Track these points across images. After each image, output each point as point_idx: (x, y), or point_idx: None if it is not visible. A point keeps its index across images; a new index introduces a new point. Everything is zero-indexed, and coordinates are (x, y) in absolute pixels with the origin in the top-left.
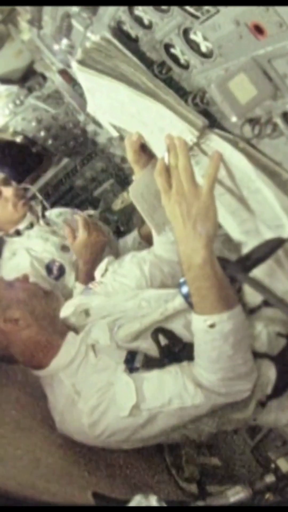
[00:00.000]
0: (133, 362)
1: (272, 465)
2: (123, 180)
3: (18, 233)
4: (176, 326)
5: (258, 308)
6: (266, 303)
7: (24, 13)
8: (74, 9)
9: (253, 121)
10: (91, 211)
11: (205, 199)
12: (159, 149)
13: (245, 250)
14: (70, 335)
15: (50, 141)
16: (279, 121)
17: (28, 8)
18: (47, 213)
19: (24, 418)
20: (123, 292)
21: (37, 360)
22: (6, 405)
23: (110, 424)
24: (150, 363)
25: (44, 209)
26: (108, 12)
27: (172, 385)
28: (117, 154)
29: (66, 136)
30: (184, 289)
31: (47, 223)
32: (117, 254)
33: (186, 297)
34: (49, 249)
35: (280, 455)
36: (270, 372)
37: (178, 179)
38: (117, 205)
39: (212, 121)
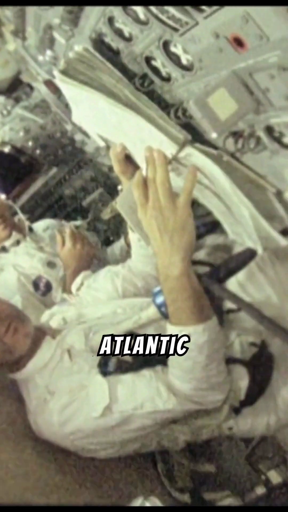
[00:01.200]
0: (106, 366)
1: (263, 477)
2: (112, 189)
3: (4, 249)
4: (149, 333)
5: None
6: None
7: (8, 23)
8: (56, 21)
9: (236, 135)
10: (78, 222)
11: (181, 213)
12: (142, 160)
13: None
14: (47, 339)
15: (38, 151)
16: (262, 135)
17: (11, 18)
18: (34, 226)
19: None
20: (96, 306)
21: (15, 361)
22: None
23: (81, 424)
24: (123, 367)
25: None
26: (89, 24)
27: (145, 388)
28: (105, 164)
29: (54, 145)
30: (158, 299)
31: (34, 239)
32: (105, 263)
33: (160, 307)
34: (35, 265)
35: (271, 467)
36: (243, 377)
37: (155, 192)
38: (106, 214)
39: (195, 135)
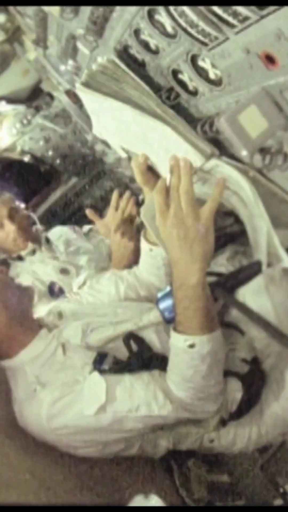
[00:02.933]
0: (101, 363)
1: (281, 490)
2: None
3: (20, 258)
4: (148, 336)
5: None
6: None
7: (29, 32)
8: (79, 31)
9: (263, 151)
10: (87, 226)
11: (204, 223)
12: (166, 171)
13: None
14: (43, 331)
15: (58, 160)
16: None
17: (32, 27)
18: (49, 235)
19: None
20: (95, 306)
21: (4, 348)
22: None
23: (70, 420)
24: (119, 367)
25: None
26: (113, 36)
27: (142, 392)
28: (125, 174)
29: (74, 155)
30: (162, 304)
31: (49, 248)
32: None
33: (163, 311)
34: (49, 272)
35: None
36: (237, 390)
37: (178, 201)
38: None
39: (221, 149)
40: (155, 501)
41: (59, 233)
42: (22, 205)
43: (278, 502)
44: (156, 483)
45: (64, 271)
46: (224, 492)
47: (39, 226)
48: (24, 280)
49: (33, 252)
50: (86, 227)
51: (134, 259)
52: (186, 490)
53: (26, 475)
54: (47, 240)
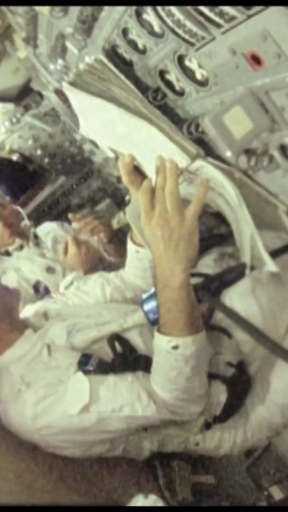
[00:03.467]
0: (86, 364)
1: (265, 492)
2: (120, 200)
3: (7, 253)
4: (132, 337)
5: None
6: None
7: (20, 30)
8: (68, 30)
9: (249, 152)
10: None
11: (189, 224)
12: (152, 171)
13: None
14: (28, 331)
15: (46, 160)
16: (276, 153)
17: (23, 25)
18: (37, 231)
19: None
20: (81, 308)
21: None
22: None
23: (54, 420)
24: (103, 368)
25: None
26: (102, 35)
27: (126, 392)
28: (113, 174)
29: (62, 154)
30: (146, 306)
31: (37, 244)
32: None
33: (147, 313)
34: (35, 271)
35: (273, 483)
36: (221, 394)
37: (163, 201)
38: (113, 225)
39: (206, 150)
40: (154, 501)
41: (47, 229)
42: (10, 200)
43: (262, 504)
44: (140, 483)
45: (50, 270)
46: (208, 494)
47: (27, 222)
48: (10, 278)
49: (21, 247)
50: (76, 224)
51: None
52: (170, 491)
53: (9, 475)
54: (35, 236)
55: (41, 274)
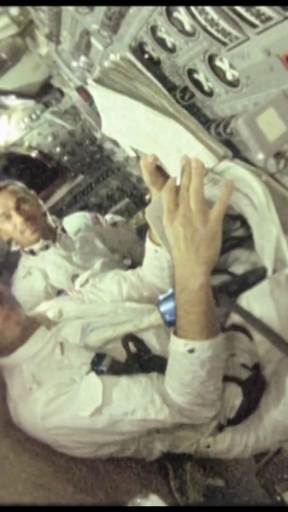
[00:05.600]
0: (99, 364)
1: (278, 498)
2: (138, 200)
3: (32, 252)
4: (147, 337)
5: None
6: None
7: (42, 26)
8: (94, 26)
9: (278, 155)
10: (116, 217)
11: (212, 225)
12: (175, 171)
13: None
14: (41, 329)
15: (65, 157)
16: None
17: (46, 21)
18: (66, 227)
19: None
20: (96, 305)
21: (2, 346)
22: None
23: (65, 420)
24: (116, 368)
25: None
26: (129, 32)
27: (140, 395)
28: (133, 174)
29: (82, 152)
30: (163, 307)
31: (65, 244)
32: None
33: (164, 314)
34: (60, 280)
35: (286, 489)
36: (237, 397)
37: (187, 201)
38: (132, 225)
39: (235, 152)
40: (155, 501)
41: (77, 225)
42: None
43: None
44: (151, 486)
45: (75, 278)
46: (219, 498)
47: (54, 218)
48: (37, 282)
49: (46, 247)
50: (116, 217)
51: None
52: (181, 494)
53: (22, 474)
54: (64, 230)
55: (66, 284)
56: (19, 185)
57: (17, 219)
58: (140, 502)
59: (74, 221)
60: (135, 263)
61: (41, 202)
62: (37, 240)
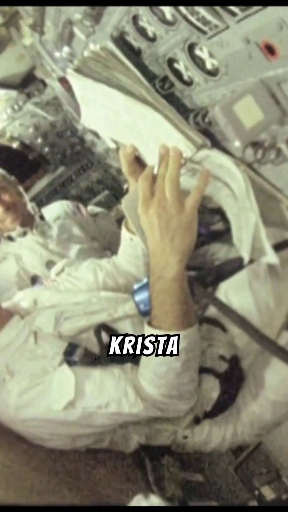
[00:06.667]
0: (72, 354)
1: (256, 492)
2: (118, 192)
3: (10, 238)
4: (122, 327)
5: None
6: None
7: (27, 17)
8: (77, 16)
9: (256, 145)
10: (96, 208)
11: (188, 213)
12: (153, 161)
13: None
14: (15, 318)
15: (46, 149)
16: (283, 146)
17: (30, 12)
18: (46, 214)
19: None
20: (72, 293)
21: None
22: None
23: (38, 412)
24: (89, 359)
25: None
26: (111, 22)
27: (113, 388)
28: (113, 166)
29: (63, 144)
30: (138, 296)
31: (42, 232)
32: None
33: (138, 304)
34: (35, 264)
35: (264, 483)
36: (214, 389)
37: (163, 189)
38: (112, 217)
39: (213, 142)
40: (154, 501)
41: (57, 213)
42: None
43: (253, 504)
44: (128, 478)
45: (50, 264)
46: (198, 492)
47: (33, 205)
48: (10, 267)
49: (24, 233)
50: (95, 209)
51: None
52: (159, 488)
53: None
54: (42, 218)
55: (40, 269)
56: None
57: None
58: (140, 502)
59: (55, 209)
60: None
61: (21, 188)
62: (15, 228)
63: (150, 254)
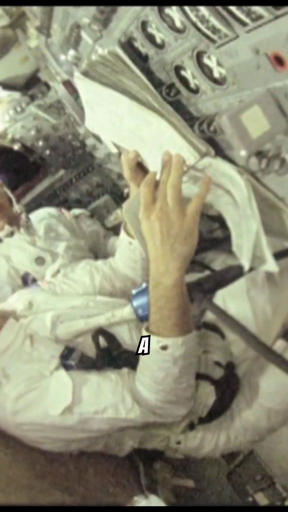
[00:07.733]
0: (68, 358)
1: (250, 499)
2: (118, 197)
3: None
4: (120, 332)
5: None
6: (206, 326)
7: (34, 19)
8: (85, 20)
9: (260, 154)
10: (77, 211)
11: (189, 221)
12: (156, 167)
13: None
14: (10, 321)
15: (48, 151)
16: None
17: (38, 14)
18: (31, 216)
19: None
20: (70, 295)
21: None
22: None
23: (35, 417)
24: (86, 363)
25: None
26: (119, 27)
27: (110, 394)
28: (114, 170)
29: (64, 147)
30: (136, 302)
31: (28, 231)
32: (106, 255)
33: (136, 309)
34: (24, 261)
35: (258, 489)
36: (209, 395)
37: (164, 195)
38: (110, 222)
39: (217, 150)
40: (154, 501)
41: (42, 215)
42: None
43: None
44: (121, 482)
45: (39, 260)
46: (190, 498)
47: (19, 206)
48: (0, 265)
49: (11, 234)
50: (76, 211)
51: None
52: (152, 492)
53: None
54: (27, 219)
55: (29, 266)
56: None
57: None
58: (140, 502)
59: (39, 213)
60: (98, 257)
61: (6, 189)
62: (2, 228)
63: (150, 260)
